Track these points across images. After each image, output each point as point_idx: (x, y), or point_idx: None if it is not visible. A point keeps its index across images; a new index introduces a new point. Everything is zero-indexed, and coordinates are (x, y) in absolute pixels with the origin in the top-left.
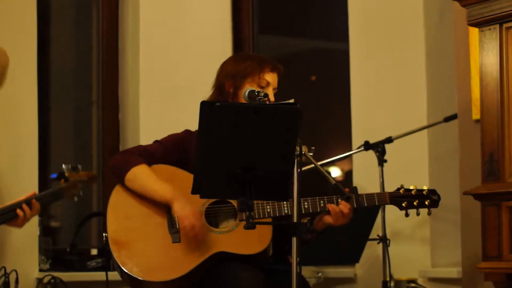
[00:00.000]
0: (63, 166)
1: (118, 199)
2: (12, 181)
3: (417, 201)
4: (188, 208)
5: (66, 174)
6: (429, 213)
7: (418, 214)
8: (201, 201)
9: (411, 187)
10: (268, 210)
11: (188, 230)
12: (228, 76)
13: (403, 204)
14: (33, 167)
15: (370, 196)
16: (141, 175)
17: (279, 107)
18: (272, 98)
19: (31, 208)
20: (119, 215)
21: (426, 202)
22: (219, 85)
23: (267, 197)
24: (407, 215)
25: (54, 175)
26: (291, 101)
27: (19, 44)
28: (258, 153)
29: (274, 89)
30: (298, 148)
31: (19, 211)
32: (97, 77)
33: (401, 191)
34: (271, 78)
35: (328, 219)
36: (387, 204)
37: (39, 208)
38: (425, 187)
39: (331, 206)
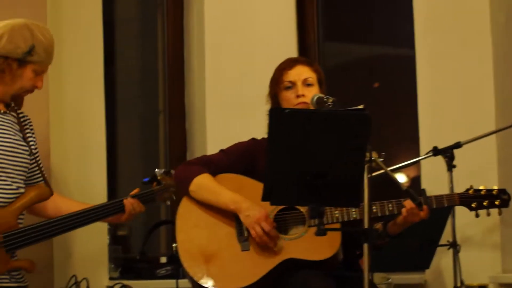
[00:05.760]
0: (156, 170)
1: (186, 209)
2: (82, 191)
3: (487, 201)
4: (254, 214)
5: (159, 178)
6: (499, 213)
7: (488, 214)
8: (270, 208)
9: (481, 187)
10: (337, 215)
11: (259, 237)
12: (270, 85)
13: (473, 205)
14: (101, 177)
15: (439, 197)
16: (204, 185)
17: (349, 113)
18: (302, 91)
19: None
20: (188, 225)
21: (496, 202)
22: (270, 94)
23: (338, 203)
24: (477, 215)
25: (146, 179)
26: (361, 107)
27: (86, 57)
28: (328, 159)
29: (305, 79)
30: (368, 154)
31: (126, 201)
32: (163, 86)
33: (470, 191)
34: (294, 76)
35: (400, 217)
36: (456, 205)
37: (142, 206)
38: (495, 187)
39: (407, 202)
